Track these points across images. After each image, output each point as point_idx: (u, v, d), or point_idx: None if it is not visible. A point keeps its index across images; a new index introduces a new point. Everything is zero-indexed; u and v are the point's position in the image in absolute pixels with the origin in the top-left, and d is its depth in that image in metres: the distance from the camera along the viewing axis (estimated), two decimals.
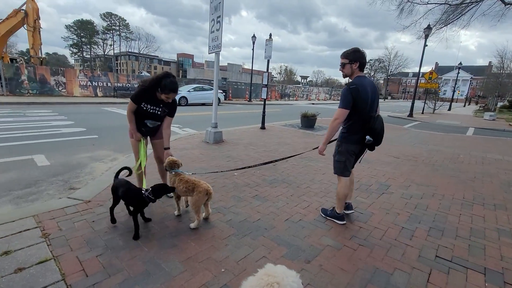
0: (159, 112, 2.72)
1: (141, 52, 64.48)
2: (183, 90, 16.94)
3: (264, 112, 8.64)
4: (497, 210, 3.30)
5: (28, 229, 2.32)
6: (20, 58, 24.48)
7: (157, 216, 2.70)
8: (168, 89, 2.54)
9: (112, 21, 58.99)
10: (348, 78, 2.59)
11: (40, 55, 18.76)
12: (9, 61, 18.90)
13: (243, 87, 26.45)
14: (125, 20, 60.73)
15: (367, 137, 2.48)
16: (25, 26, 17.26)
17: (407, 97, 70.07)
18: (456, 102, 41.44)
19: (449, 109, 28.34)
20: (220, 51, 5.67)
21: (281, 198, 3.31)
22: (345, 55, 2.50)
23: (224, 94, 22.63)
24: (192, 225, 2.51)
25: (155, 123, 2.77)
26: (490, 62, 52.17)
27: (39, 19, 17.78)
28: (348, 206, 2.91)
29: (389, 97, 67.20)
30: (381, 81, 74.19)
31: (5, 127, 6.89)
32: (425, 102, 22.56)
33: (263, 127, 8.58)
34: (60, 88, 16.09)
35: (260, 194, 3.41)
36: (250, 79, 24.82)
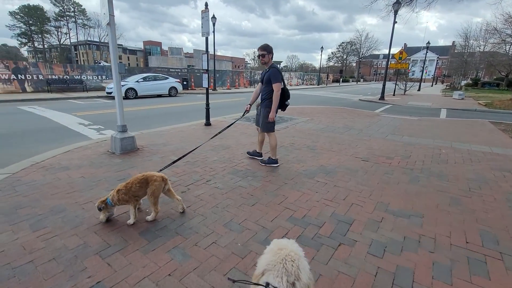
0: None
1: (102, 41, 58.64)
2: (131, 81, 14.62)
3: (207, 105, 6.91)
4: None
5: None
6: None
7: None
8: None
9: (66, 7, 52.67)
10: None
11: None
12: None
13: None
14: (81, 6, 54.55)
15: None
16: None
17: (378, 79, 70.92)
18: (424, 82, 41.87)
19: (419, 89, 28.21)
20: (113, 16, 3.84)
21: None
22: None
23: (185, 83, 20.44)
24: (149, 217, 2.40)
25: None
26: (453, 42, 53.01)
27: None
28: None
29: (362, 80, 67.47)
30: (354, 64, 74.34)
31: None
32: (396, 84, 21.97)
33: (207, 123, 6.90)
34: None
35: (105, 279, 1.81)
36: (214, 65, 22.63)
